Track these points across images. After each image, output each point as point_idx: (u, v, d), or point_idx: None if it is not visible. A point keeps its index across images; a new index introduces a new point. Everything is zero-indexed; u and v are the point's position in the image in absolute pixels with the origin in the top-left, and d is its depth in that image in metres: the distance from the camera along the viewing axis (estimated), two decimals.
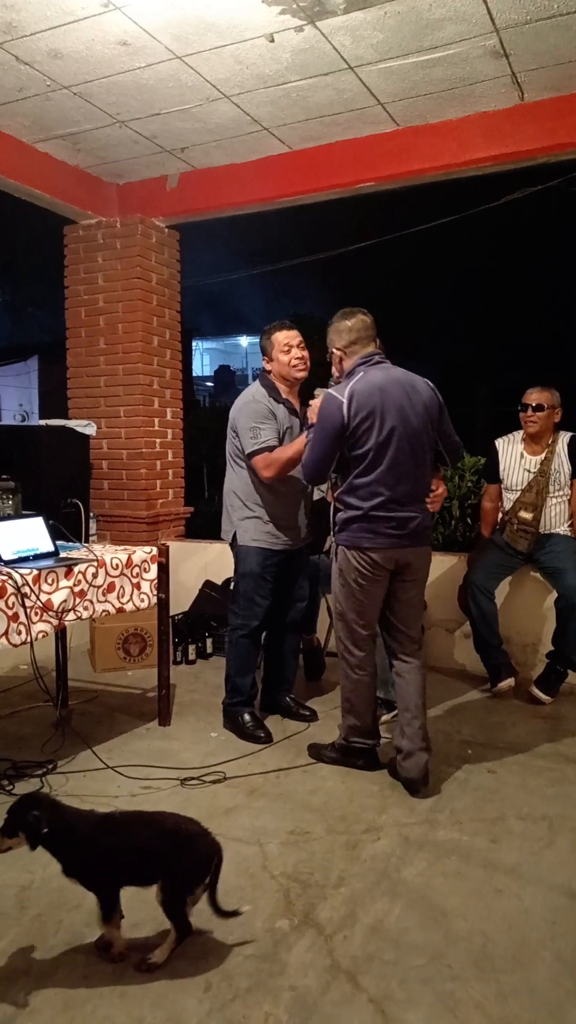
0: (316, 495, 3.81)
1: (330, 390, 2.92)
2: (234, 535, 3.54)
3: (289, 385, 3.51)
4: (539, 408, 4.05)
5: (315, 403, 3.11)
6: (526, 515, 4.06)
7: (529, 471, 4.11)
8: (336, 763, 3.16)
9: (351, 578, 2.97)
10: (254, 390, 3.51)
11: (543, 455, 4.10)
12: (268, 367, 3.52)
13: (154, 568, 3.51)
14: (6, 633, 2.80)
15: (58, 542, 3.34)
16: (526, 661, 4.34)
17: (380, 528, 2.90)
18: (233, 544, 3.56)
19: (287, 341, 3.44)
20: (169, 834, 2.02)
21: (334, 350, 3.05)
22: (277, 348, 3.45)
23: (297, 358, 3.45)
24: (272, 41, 3.46)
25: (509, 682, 4.02)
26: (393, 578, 3.00)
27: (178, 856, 1.97)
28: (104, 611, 3.29)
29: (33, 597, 2.90)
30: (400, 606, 3.06)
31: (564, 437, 4.10)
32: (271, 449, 3.35)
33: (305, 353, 3.48)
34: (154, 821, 2.10)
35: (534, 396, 4.09)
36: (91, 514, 4.80)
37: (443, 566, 4.54)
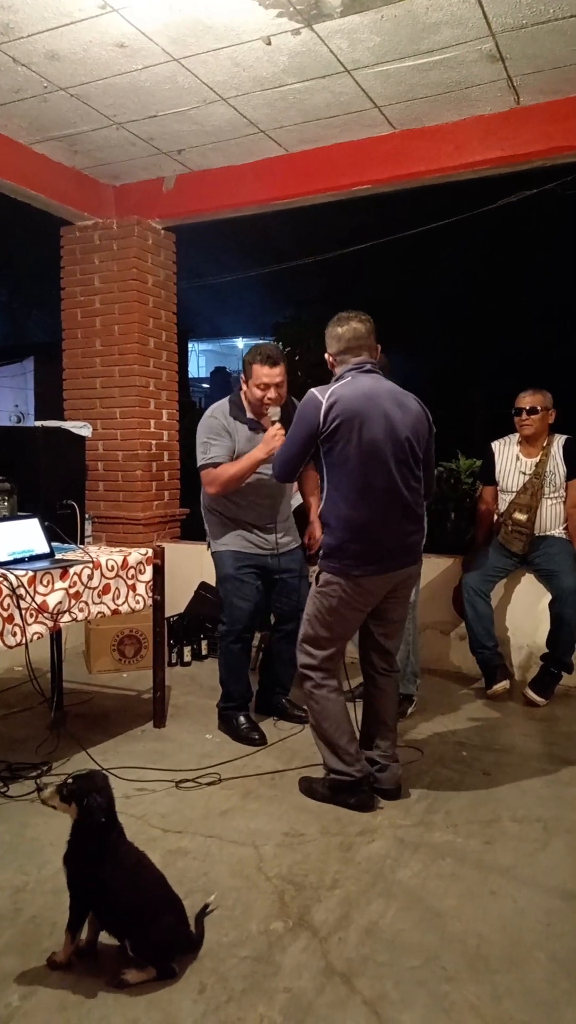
0: (295, 501, 3.83)
1: (313, 389, 2.77)
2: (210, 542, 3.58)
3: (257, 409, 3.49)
4: (533, 411, 4.06)
5: (273, 429, 3.23)
6: (520, 516, 4.07)
7: (524, 473, 4.12)
8: (327, 801, 2.86)
9: (333, 605, 2.75)
10: (218, 405, 3.52)
11: (538, 457, 4.11)
12: (244, 388, 3.45)
13: (149, 570, 3.51)
14: (1, 635, 2.80)
15: (53, 543, 3.34)
16: (521, 663, 4.35)
17: (368, 553, 2.69)
18: (212, 551, 3.59)
19: (266, 380, 3.33)
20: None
21: (326, 355, 2.94)
22: (253, 381, 3.36)
23: (270, 398, 3.36)
24: (269, 44, 3.47)
25: (504, 684, 4.02)
26: (383, 598, 2.82)
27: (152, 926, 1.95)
28: (99, 613, 3.28)
29: (28, 599, 2.90)
30: (388, 625, 2.92)
31: (559, 440, 4.12)
32: (215, 466, 3.37)
33: (281, 391, 3.39)
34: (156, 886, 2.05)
35: (527, 399, 4.10)
36: (87, 516, 4.79)
37: (438, 568, 4.55)
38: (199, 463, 3.44)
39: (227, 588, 3.53)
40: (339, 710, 2.85)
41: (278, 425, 3.27)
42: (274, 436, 3.24)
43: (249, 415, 3.47)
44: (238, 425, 3.46)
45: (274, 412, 3.33)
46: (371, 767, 2.92)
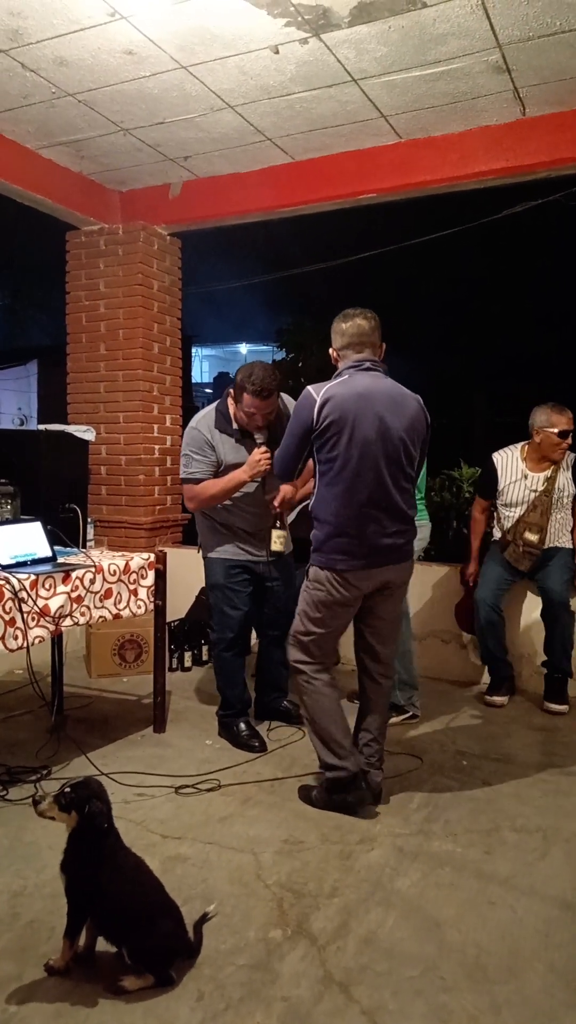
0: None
1: (310, 387, 2.79)
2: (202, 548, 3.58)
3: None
4: (572, 434, 3.98)
5: (258, 452, 3.22)
6: (532, 536, 3.99)
7: (534, 490, 4.03)
8: (325, 803, 2.86)
9: (322, 600, 2.78)
10: (203, 415, 3.47)
11: (548, 472, 4.03)
12: (231, 402, 3.39)
13: (151, 574, 3.52)
14: (2, 638, 2.80)
15: (56, 547, 3.35)
16: (521, 673, 4.33)
17: (355, 548, 2.71)
18: (203, 557, 3.60)
19: (253, 410, 3.27)
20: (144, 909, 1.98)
21: (330, 350, 2.94)
22: (242, 406, 3.29)
23: (255, 426, 3.32)
24: (277, 53, 3.49)
25: (504, 700, 4.06)
26: (371, 594, 2.82)
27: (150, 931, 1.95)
28: (101, 617, 3.28)
29: (30, 602, 2.90)
30: (378, 622, 2.89)
31: (569, 458, 4.05)
32: (197, 482, 3.38)
33: (269, 417, 3.33)
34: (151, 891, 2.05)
35: (568, 420, 3.96)
36: (89, 520, 4.80)
37: (439, 577, 4.55)
38: (181, 476, 3.45)
39: (217, 596, 3.54)
40: (332, 704, 2.86)
41: (264, 448, 3.25)
42: (259, 461, 3.23)
43: (235, 426, 3.41)
44: (224, 437, 3.41)
45: (260, 436, 3.30)
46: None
